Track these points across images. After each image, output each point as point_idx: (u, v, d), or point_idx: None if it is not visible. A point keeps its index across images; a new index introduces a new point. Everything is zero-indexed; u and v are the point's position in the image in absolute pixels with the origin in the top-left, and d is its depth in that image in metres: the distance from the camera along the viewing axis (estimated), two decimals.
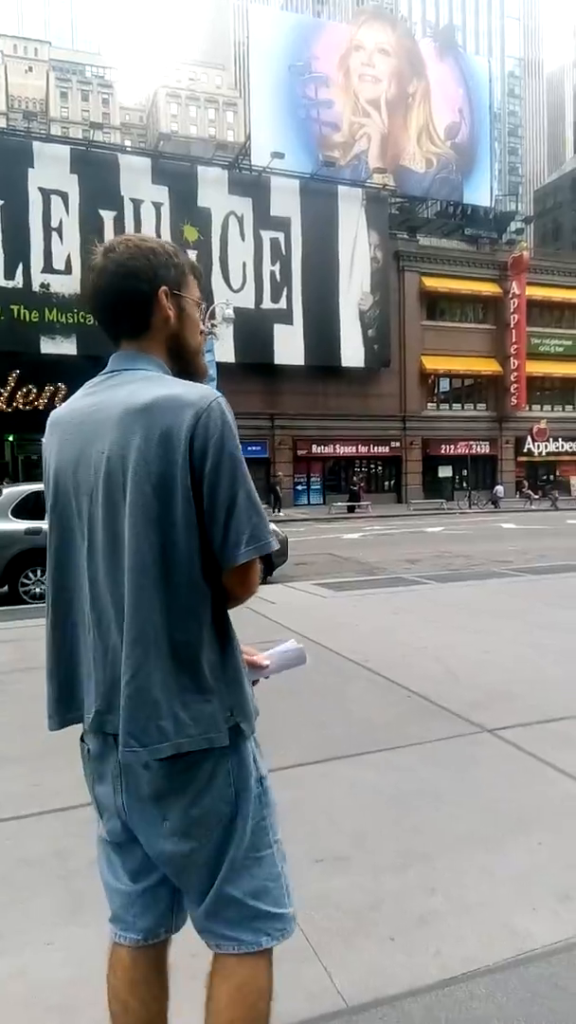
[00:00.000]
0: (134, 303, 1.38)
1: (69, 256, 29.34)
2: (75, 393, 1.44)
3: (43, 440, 1.43)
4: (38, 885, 2.49)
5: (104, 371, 1.40)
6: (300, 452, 34.41)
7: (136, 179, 30.58)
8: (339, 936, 2.17)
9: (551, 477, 39.21)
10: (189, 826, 1.31)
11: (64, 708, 1.40)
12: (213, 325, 24.62)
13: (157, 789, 1.30)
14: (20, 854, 2.69)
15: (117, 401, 1.30)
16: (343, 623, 6.82)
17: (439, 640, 5.95)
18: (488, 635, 6.10)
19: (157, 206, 30.83)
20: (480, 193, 41.13)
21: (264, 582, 9.86)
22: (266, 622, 6.95)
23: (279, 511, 29.13)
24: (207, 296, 29.70)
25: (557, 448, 40.15)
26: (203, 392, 1.29)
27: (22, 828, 2.89)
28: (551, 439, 39.45)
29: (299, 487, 34.86)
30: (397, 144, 38.10)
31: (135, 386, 1.31)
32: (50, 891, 2.46)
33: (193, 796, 1.31)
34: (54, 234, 29.28)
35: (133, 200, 30.46)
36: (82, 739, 1.41)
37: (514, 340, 37.71)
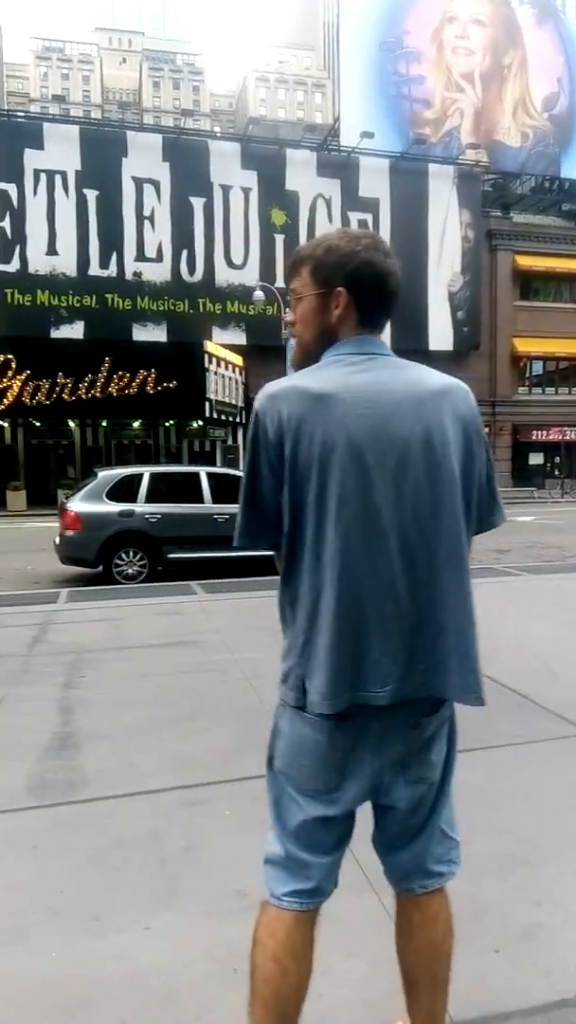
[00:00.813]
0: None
1: (160, 244, 29.85)
2: (318, 368, 1.48)
3: (285, 410, 1.40)
4: (134, 867, 2.51)
5: (355, 351, 1.48)
6: None
7: (225, 165, 30.71)
8: None
9: None
10: (429, 769, 1.52)
11: (347, 687, 1.39)
12: None
13: (416, 742, 1.48)
14: (116, 834, 2.72)
15: (410, 381, 1.45)
16: None
17: (535, 633, 5.71)
18: None
19: (246, 191, 30.89)
20: None
21: None
22: None
23: None
24: None
25: None
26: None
27: (117, 807, 2.93)
28: None
29: None
30: (491, 118, 36.64)
31: (411, 370, 1.49)
32: (146, 874, 2.47)
33: (439, 742, 1.53)
34: (146, 222, 29.82)
35: (222, 186, 30.62)
36: (328, 716, 1.41)
37: None
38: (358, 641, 1.38)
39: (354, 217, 31.95)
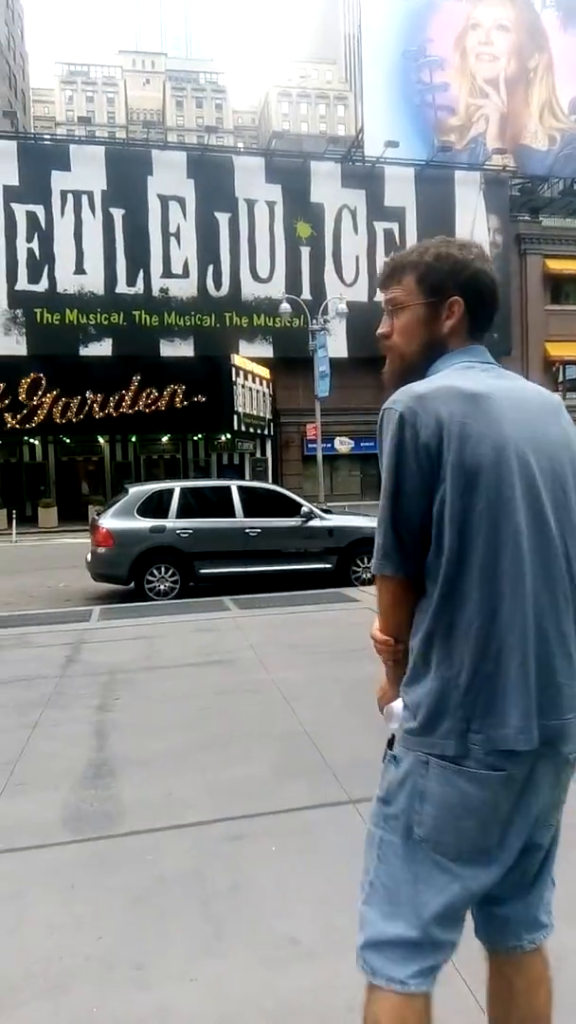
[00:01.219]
0: None
1: (186, 260, 30.05)
2: (446, 371, 1.39)
3: (444, 409, 1.27)
4: (176, 908, 2.37)
5: (476, 359, 1.42)
6: None
7: (249, 179, 30.87)
8: None
9: None
10: (556, 811, 1.40)
11: (540, 716, 1.24)
12: (326, 321, 24.42)
13: (568, 778, 1.36)
14: (158, 871, 2.58)
15: (536, 390, 1.42)
16: None
17: None
18: None
19: (270, 205, 31.00)
20: None
21: None
22: None
23: None
24: (320, 292, 29.60)
25: None
26: None
27: (158, 843, 2.79)
28: None
29: None
30: (517, 123, 36.35)
31: (521, 380, 1.44)
32: (189, 916, 2.33)
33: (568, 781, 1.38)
34: (172, 239, 30.06)
35: (247, 200, 30.76)
36: (500, 761, 1.24)
37: None
38: (545, 663, 1.24)
39: (380, 227, 31.89)
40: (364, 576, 9.57)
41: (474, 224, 32.91)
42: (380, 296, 1.49)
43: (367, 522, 10.29)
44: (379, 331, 1.48)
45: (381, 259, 31.66)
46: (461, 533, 1.25)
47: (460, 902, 1.32)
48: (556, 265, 34.71)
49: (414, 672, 1.32)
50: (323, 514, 9.79)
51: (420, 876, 1.30)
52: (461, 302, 1.40)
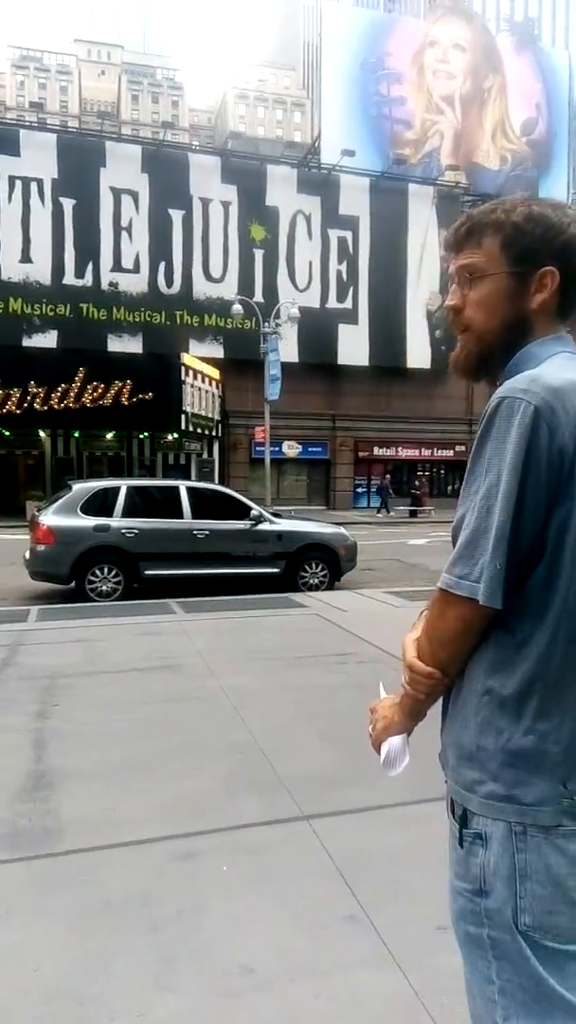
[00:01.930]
0: None
1: (138, 255, 29.59)
2: (557, 356, 1.16)
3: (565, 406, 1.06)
4: (123, 935, 2.21)
5: (571, 349, 1.19)
6: (361, 454, 33.90)
7: (205, 178, 30.63)
8: None
9: None
10: None
11: None
12: (278, 324, 24.39)
13: None
14: (102, 894, 2.42)
15: None
16: None
17: None
18: None
19: (225, 205, 30.80)
20: (557, 190, 39.73)
21: (331, 587, 9.56)
22: (339, 631, 6.63)
23: (388, 511, 29.50)
24: (272, 295, 29.57)
25: None
26: None
27: (101, 862, 2.62)
28: None
29: (359, 489, 34.37)
30: (471, 141, 37.19)
31: None
32: (137, 943, 2.18)
33: None
34: (124, 233, 29.55)
35: (202, 199, 30.51)
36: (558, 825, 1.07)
37: None
38: None
39: (334, 234, 32.08)
40: (312, 582, 9.51)
41: (425, 238, 33.47)
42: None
43: (316, 527, 10.25)
44: (448, 303, 1.24)
45: (334, 266, 31.90)
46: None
47: None
48: None
49: (490, 722, 1.10)
50: (273, 518, 9.69)
51: (551, 970, 1.07)
52: (556, 273, 1.16)
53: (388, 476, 32.54)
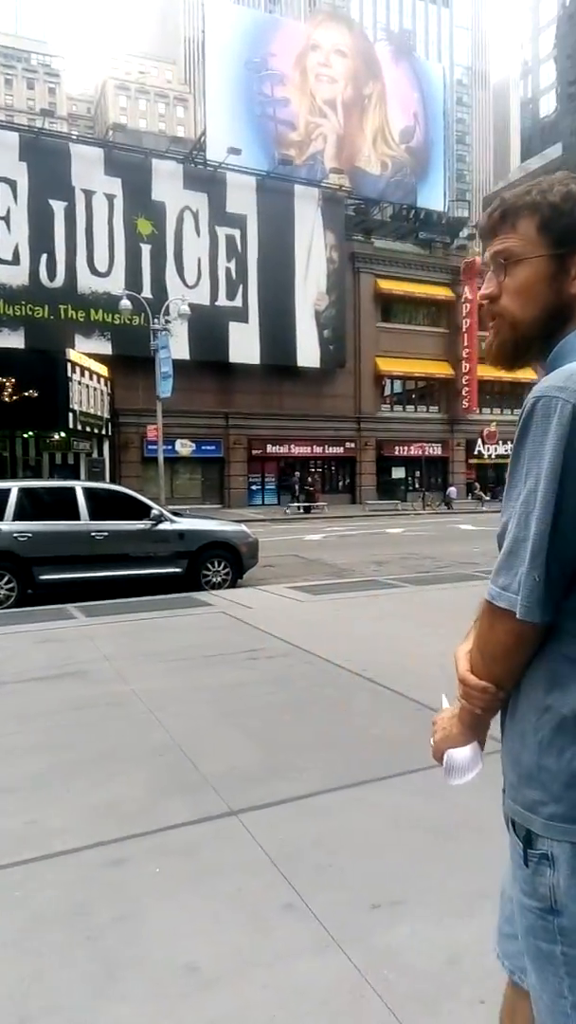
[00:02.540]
0: None
1: (17, 246, 28.35)
2: None
3: None
4: (59, 948, 2.15)
5: None
6: (254, 452, 34.08)
7: (88, 169, 29.75)
8: (422, 1001, 1.90)
9: (500, 479, 39.82)
10: None
11: None
12: (168, 321, 24.06)
13: None
14: (32, 909, 2.33)
15: None
16: (329, 629, 6.57)
17: (435, 647, 5.73)
18: None
19: (110, 198, 30.06)
20: (434, 197, 41.52)
21: (234, 585, 9.57)
22: (246, 628, 6.66)
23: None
24: (161, 291, 29.13)
25: (506, 451, 40.79)
26: None
27: (28, 876, 2.52)
28: (500, 442, 40.09)
29: (253, 487, 34.53)
30: (353, 145, 38.13)
31: None
32: (75, 955, 2.11)
33: None
34: (1, 223, 28.23)
35: (85, 191, 29.62)
36: None
37: (466, 344, 38.19)
38: None
39: (222, 232, 32.03)
40: (215, 580, 9.48)
41: (312, 239, 34.05)
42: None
43: (218, 525, 10.22)
44: (483, 292, 1.18)
45: (223, 264, 31.84)
46: None
47: None
48: (386, 285, 36.76)
49: (552, 741, 1.05)
50: (173, 517, 9.58)
51: None
52: None
53: (298, 474, 33.02)
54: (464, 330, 38.21)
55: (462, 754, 1.21)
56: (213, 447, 33.10)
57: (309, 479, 32.71)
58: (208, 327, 30.84)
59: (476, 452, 39.76)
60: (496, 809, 2.93)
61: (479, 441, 39.35)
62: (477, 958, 2.07)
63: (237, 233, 32.34)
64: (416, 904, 2.33)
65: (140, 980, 2.01)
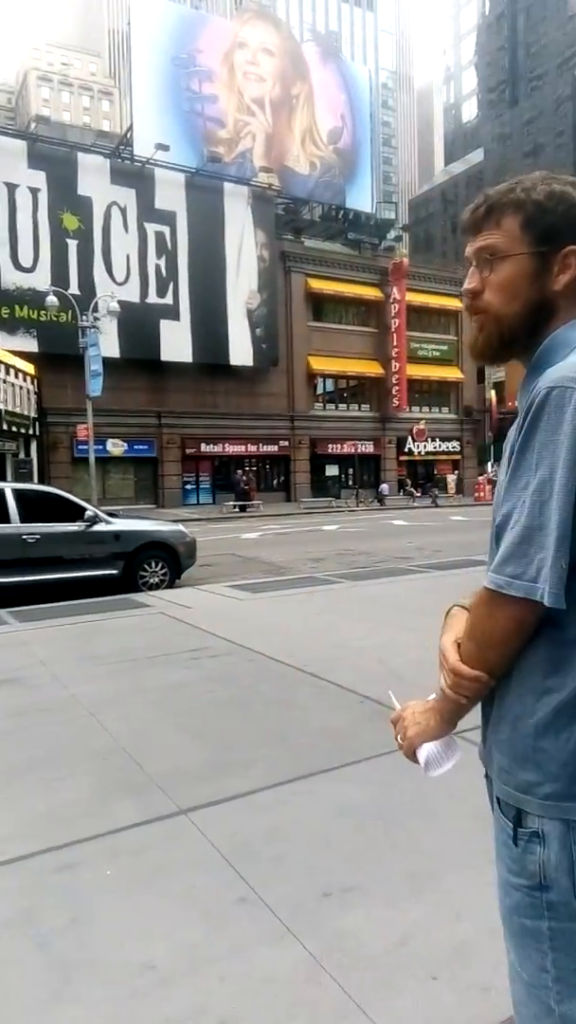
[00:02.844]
0: None
1: None
2: None
3: None
4: (11, 956, 2.11)
5: None
6: (188, 451, 33.83)
7: (10, 162, 28.89)
8: (377, 981, 1.96)
9: (430, 475, 40.75)
10: None
11: None
12: (96, 318, 23.61)
13: None
14: None
15: None
16: (269, 626, 6.61)
17: (373, 640, 5.86)
18: (420, 633, 6.04)
19: (34, 192, 29.27)
20: (362, 199, 42.10)
21: (172, 585, 9.50)
22: (186, 627, 6.63)
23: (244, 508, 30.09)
24: (89, 288, 28.55)
25: (435, 448, 41.86)
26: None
27: None
28: (429, 439, 41.06)
29: (188, 486, 34.27)
30: (282, 145, 38.27)
31: None
32: (28, 962, 2.08)
33: None
34: None
35: (7, 184, 28.75)
36: None
37: (395, 343, 38.91)
38: None
39: (151, 228, 31.65)
40: (152, 581, 9.39)
41: (242, 237, 34.02)
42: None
43: (154, 525, 10.12)
44: (467, 286, 1.21)
45: (153, 261, 31.48)
46: None
47: None
48: (317, 284, 37.06)
49: (550, 724, 1.08)
50: (108, 518, 9.42)
51: None
52: None
53: (241, 472, 33.01)
54: (393, 330, 38.92)
55: (439, 745, 1.24)
56: (146, 447, 32.69)
57: (244, 477, 32.72)
58: (139, 324, 30.44)
59: (407, 450, 40.60)
60: (438, 793, 3.03)
61: (409, 439, 40.22)
62: (427, 936, 2.14)
63: (167, 230, 32.01)
64: (367, 890, 2.39)
65: (95, 982, 2.00)
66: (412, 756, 1.27)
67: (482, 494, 34.52)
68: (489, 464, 40.40)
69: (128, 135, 34.58)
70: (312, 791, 3.14)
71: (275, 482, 36.85)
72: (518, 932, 1.15)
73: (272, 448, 36.12)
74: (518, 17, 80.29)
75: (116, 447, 31.49)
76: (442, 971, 2.00)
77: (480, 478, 37.20)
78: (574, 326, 1.14)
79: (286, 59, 38.39)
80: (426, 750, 1.24)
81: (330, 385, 39.12)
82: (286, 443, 36.46)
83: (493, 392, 42.05)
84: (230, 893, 2.39)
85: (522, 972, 1.15)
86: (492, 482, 35.29)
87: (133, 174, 31.75)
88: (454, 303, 42.64)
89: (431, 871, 2.49)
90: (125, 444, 31.86)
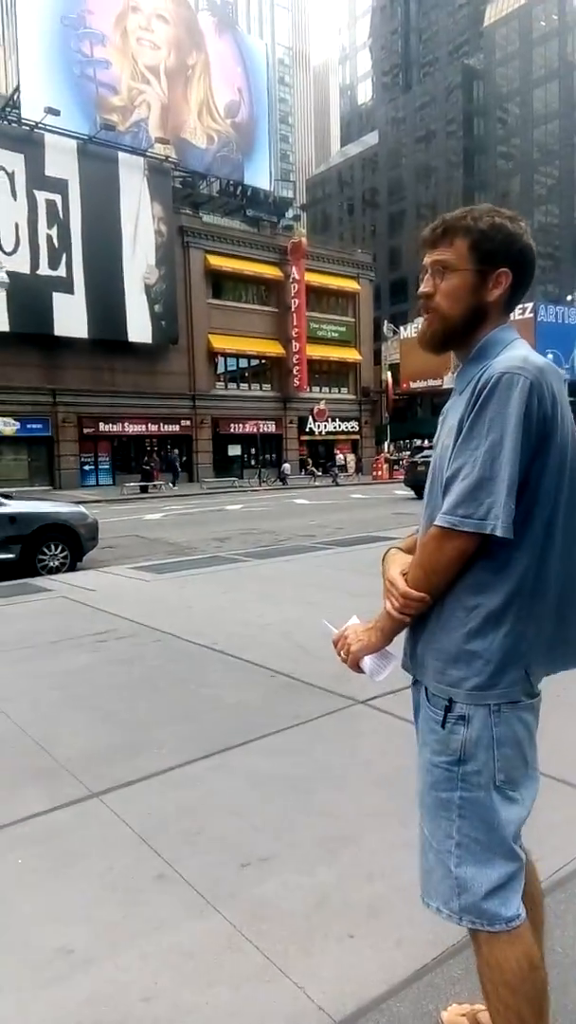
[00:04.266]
0: None
1: None
2: (518, 342, 1.45)
3: (555, 384, 1.36)
4: None
5: (516, 336, 1.47)
6: (86, 430, 32.76)
7: None
8: (296, 944, 2.02)
9: (331, 454, 41.39)
10: None
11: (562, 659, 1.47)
12: None
13: None
14: None
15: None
16: (176, 606, 6.56)
17: (279, 616, 5.94)
18: (323, 607, 6.19)
19: None
20: (260, 175, 41.75)
21: (73, 568, 9.25)
22: (90, 611, 6.48)
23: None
24: None
25: (335, 428, 42.51)
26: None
27: None
28: (329, 419, 41.63)
29: (86, 467, 33.24)
30: (178, 116, 37.29)
31: None
32: None
33: None
34: None
35: None
36: (529, 691, 1.42)
37: (295, 323, 39.06)
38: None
39: (41, 196, 30.21)
40: (52, 564, 9.10)
41: (139, 209, 33.06)
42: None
43: (53, 507, 9.79)
44: (422, 290, 1.48)
45: (44, 231, 30.14)
46: (554, 506, 1.37)
47: (523, 819, 1.45)
48: (216, 261, 36.59)
49: (478, 631, 1.38)
50: (3, 500, 9.03)
51: (503, 815, 1.40)
52: (510, 274, 1.43)
53: (147, 456, 32.54)
54: (293, 310, 39.03)
55: (379, 657, 1.52)
56: (40, 425, 31.42)
57: (146, 458, 32.10)
58: (30, 297, 29.09)
59: (308, 429, 41.01)
60: (345, 760, 3.13)
61: (310, 418, 40.63)
62: (343, 897, 2.22)
63: (58, 199, 30.63)
64: (283, 857, 2.44)
65: (12, 969, 1.95)
66: (355, 667, 1.55)
67: (380, 472, 35.38)
68: (386, 444, 41.46)
69: (15, 97, 32.69)
70: (226, 765, 3.16)
71: (177, 463, 36.35)
72: (433, 805, 1.45)
73: (174, 428, 35.59)
74: (410, 2, 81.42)
75: (8, 426, 30.12)
76: (358, 929, 2.08)
77: (378, 457, 38.10)
78: (504, 329, 1.46)
79: (181, 27, 37.32)
80: (369, 660, 1.52)
81: (232, 364, 38.86)
82: (188, 423, 36.02)
83: (389, 374, 43.03)
84: (148, 871, 2.38)
85: (432, 841, 1.45)
86: (389, 461, 36.29)
87: (21, 138, 30.11)
88: (352, 285, 43.25)
89: (343, 835, 2.57)
90: (17, 423, 30.50)
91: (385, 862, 2.39)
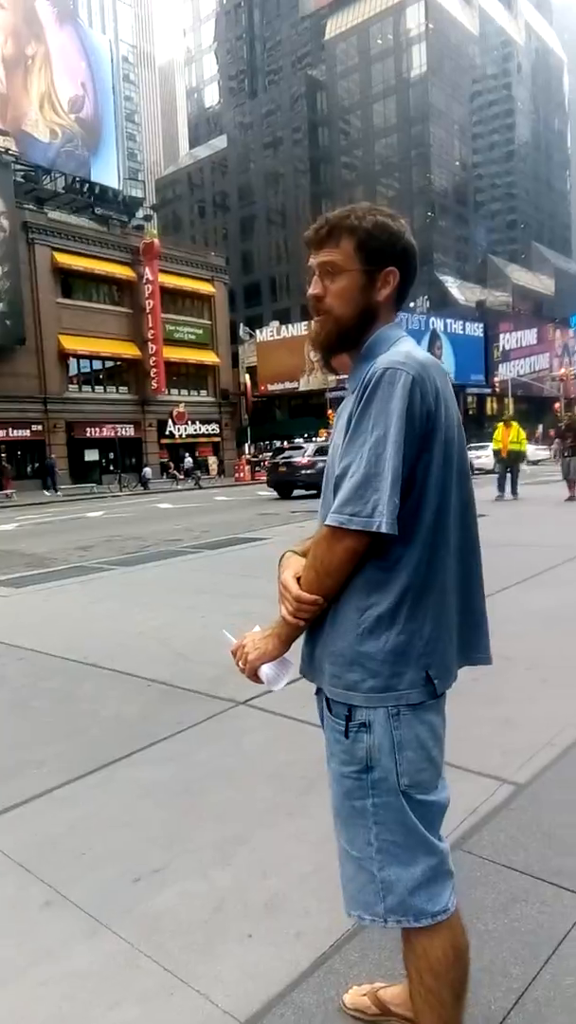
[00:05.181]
0: None
1: None
2: (404, 339, 1.44)
3: (437, 380, 1.37)
4: None
5: (404, 333, 1.47)
6: None
7: None
8: (196, 951, 2.00)
9: (192, 458, 41.11)
10: None
11: (468, 654, 1.50)
12: None
13: None
14: None
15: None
16: (40, 621, 6.27)
17: (153, 623, 5.84)
18: (197, 611, 6.16)
19: None
20: (108, 173, 40.71)
21: None
22: None
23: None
24: None
25: (195, 431, 42.29)
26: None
27: None
28: (190, 422, 41.37)
29: None
30: (18, 107, 35.53)
31: None
32: None
33: None
34: None
35: None
36: (432, 692, 1.40)
37: (151, 325, 38.45)
38: (475, 604, 1.52)
39: None
40: None
41: None
42: (312, 258, 1.43)
43: None
44: (311, 292, 1.46)
45: None
46: (442, 501, 1.37)
47: (441, 811, 1.47)
48: (64, 259, 35.31)
49: (371, 631, 1.35)
50: None
51: (419, 816, 1.40)
52: (397, 273, 1.43)
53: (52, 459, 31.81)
54: (148, 311, 38.41)
55: (277, 665, 1.47)
56: None
57: (5, 466, 30.32)
58: None
59: (168, 432, 40.52)
60: (231, 760, 3.16)
61: (170, 421, 40.17)
62: (240, 898, 2.23)
63: None
64: (177, 866, 2.41)
65: None
66: (254, 677, 1.49)
67: (242, 474, 35.62)
68: (247, 445, 41.79)
69: None
70: (111, 779, 3.08)
71: (29, 469, 34.64)
72: (348, 815, 1.43)
73: (24, 432, 33.88)
74: (254, 10, 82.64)
75: None
76: (257, 928, 2.10)
77: (240, 459, 38.32)
78: (392, 327, 1.46)
79: (19, 15, 35.59)
80: (268, 669, 1.47)
81: (85, 366, 37.60)
82: (39, 427, 34.42)
83: (247, 376, 43.43)
84: (33, 899, 2.28)
85: (351, 850, 1.44)
86: (251, 463, 36.63)
87: None
88: (207, 287, 43.21)
89: (236, 835, 2.58)
90: None
91: (279, 857, 2.42)
